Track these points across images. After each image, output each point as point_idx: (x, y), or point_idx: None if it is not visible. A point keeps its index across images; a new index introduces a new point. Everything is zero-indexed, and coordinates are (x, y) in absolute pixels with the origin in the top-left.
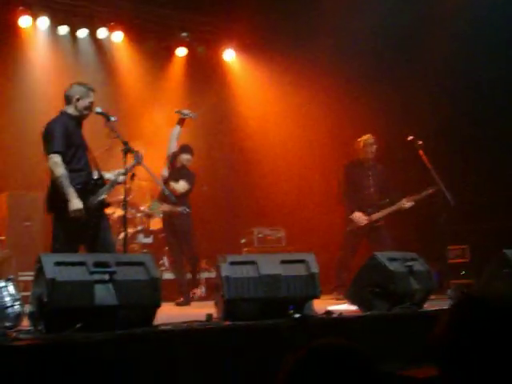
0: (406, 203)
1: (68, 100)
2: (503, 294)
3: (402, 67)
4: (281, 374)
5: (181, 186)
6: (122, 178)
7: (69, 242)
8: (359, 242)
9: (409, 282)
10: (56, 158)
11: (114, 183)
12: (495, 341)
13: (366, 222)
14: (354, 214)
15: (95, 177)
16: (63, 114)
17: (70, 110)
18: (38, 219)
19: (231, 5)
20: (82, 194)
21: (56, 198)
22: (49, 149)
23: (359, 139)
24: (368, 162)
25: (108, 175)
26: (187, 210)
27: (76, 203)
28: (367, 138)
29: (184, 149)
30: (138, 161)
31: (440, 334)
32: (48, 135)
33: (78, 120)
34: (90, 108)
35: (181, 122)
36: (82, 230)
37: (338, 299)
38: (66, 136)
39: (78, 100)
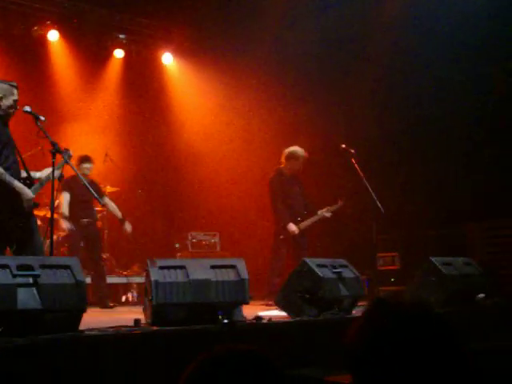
0: (326, 213)
1: None
2: (417, 299)
3: (343, 74)
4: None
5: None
6: (50, 175)
7: None
8: (289, 249)
9: (337, 288)
10: None
11: (43, 182)
12: (405, 347)
13: (297, 231)
14: (289, 225)
15: (23, 176)
16: None
17: None
18: None
19: (171, 8)
20: (10, 194)
21: None
22: None
23: (292, 149)
24: (293, 171)
25: (37, 174)
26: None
27: (29, 192)
28: (300, 150)
29: (85, 158)
30: (67, 160)
31: (350, 340)
32: None
33: (4, 119)
34: (14, 106)
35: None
36: (9, 231)
37: (268, 305)
38: None
39: (1, 99)
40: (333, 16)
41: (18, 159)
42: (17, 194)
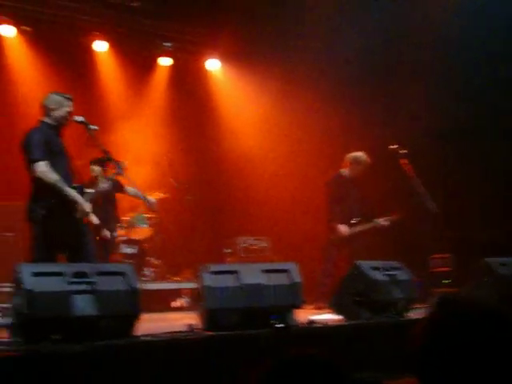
0: (383, 222)
1: (43, 110)
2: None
3: (386, 80)
4: None
5: None
6: (104, 186)
7: (47, 250)
8: (340, 252)
9: (391, 291)
10: (43, 167)
11: (97, 191)
12: (472, 347)
13: (348, 233)
14: (339, 226)
15: (76, 185)
16: (41, 123)
17: (48, 119)
18: (19, 229)
19: (215, 14)
20: (64, 203)
21: (36, 205)
22: (31, 157)
23: (355, 154)
24: (354, 177)
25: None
26: None
27: (84, 202)
28: (363, 156)
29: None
30: (120, 171)
31: (415, 342)
32: (27, 144)
33: (57, 129)
34: (67, 117)
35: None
36: (62, 238)
37: (319, 309)
38: (45, 144)
39: (53, 110)
40: (380, 15)
41: (71, 169)
42: (70, 202)
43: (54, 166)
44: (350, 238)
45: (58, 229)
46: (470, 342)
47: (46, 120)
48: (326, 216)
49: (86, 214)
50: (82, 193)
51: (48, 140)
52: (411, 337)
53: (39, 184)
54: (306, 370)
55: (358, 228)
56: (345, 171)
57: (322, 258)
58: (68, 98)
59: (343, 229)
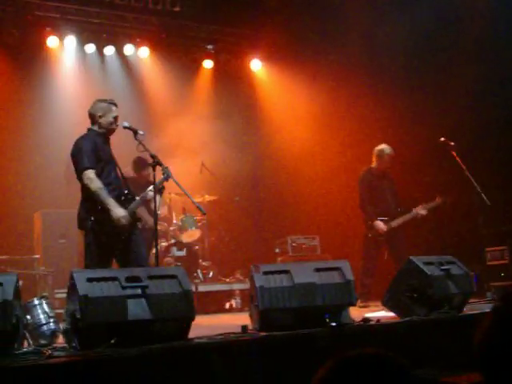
0: (421, 211)
1: (92, 118)
2: None
3: (434, 70)
4: None
5: None
6: (151, 193)
7: (100, 257)
8: (379, 248)
9: (447, 286)
10: (90, 174)
11: (144, 198)
12: None
13: (386, 229)
14: (375, 222)
15: (125, 191)
16: (90, 131)
17: (95, 127)
18: (72, 236)
19: (256, 15)
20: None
21: (86, 213)
22: (80, 166)
23: (379, 148)
24: (383, 170)
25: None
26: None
27: (119, 211)
28: (386, 148)
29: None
30: (168, 175)
31: (482, 339)
32: (77, 152)
33: (105, 136)
34: (114, 123)
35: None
36: (113, 244)
37: (361, 306)
38: (94, 152)
39: (100, 117)
40: (422, 9)
41: (120, 176)
42: (108, 209)
43: (103, 173)
44: (389, 234)
45: (108, 235)
46: None
47: (94, 128)
48: (361, 213)
49: (122, 220)
50: (131, 199)
51: (96, 148)
52: (476, 332)
53: (88, 192)
54: (370, 367)
55: (396, 222)
56: (373, 166)
57: (362, 257)
58: (113, 104)
59: (381, 225)
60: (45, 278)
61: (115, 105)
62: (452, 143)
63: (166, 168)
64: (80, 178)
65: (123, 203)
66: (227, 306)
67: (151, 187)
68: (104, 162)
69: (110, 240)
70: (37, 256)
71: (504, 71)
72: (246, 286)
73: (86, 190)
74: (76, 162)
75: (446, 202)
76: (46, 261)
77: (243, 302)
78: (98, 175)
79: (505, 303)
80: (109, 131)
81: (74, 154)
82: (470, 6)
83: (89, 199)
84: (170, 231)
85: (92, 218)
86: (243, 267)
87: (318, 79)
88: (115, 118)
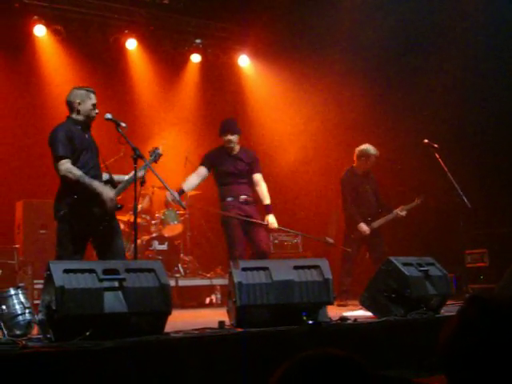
0: (401, 212)
1: (70, 105)
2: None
3: (418, 72)
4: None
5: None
6: (140, 173)
7: (73, 247)
8: (359, 248)
9: (425, 287)
10: (67, 164)
11: (127, 184)
12: (502, 346)
13: (369, 231)
14: (360, 225)
15: (106, 179)
16: (68, 119)
17: (74, 115)
18: (53, 227)
19: (245, 11)
20: (91, 197)
21: (60, 203)
22: (55, 155)
23: (361, 148)
24: (365, 170)
25: (125, 177)
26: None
27: (108, 192)
28: (371, 148)
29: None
30: (148, 164)
31: (446, 340)
32: (52, 142)
33: (84, 124)
34: (93, 110)
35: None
36: (88, 234)
37: (340, 305)
38: (68, 140)
39: (79, 104)
40: (407, 10)
41: (102, 164)
42: (98, 197)
43: (79, 162)
44: (370, 234)
45: (82, 225)
46: (500, 341)
47: (73, 116)
48: (343, 214)
49: (115, 204)
50: (113, 186)
51: (72, 136)
52: (441, 334)
53: (64, 182)
54: (325, 367)
55: (377, 222)
56: (356, 167)
57: (342, 256)
58: (91, 91)
59: (364, 227)
60: (24, 268)
61: (93, 92)
62: (435, 145)
63: (155, 150)
64: (56, 167)
65: None
66: (207, 300)
67: (131, 174)
68: (80, 151)
69: (85, 230)
70: (17, 246)
71: (490, 73)
72: (227, 281)
73: (62, 179)
74: (52, 150)
75: (423, 201)
76: (26, 251)
77: (224, 297)
78: (74, 164)
79: (471, 306)
80: (88, 118)
81: (50, 143)
82: (456, 8)
83: (64, 189)
84: (152, 224)
85: (65, 208)
86: (224, 263)
87: (302, 78)
88: (94, 105)
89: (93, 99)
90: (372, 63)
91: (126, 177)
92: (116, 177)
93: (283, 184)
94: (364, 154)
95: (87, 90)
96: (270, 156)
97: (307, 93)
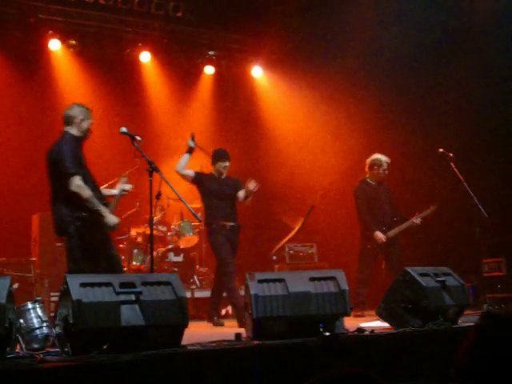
0: (416, 220)
1: (69, 120)
2: None
3: (434, 80)
4: None
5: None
6: (127, 186)
7: (86, 261)
8: (375, 258)
9: (442, 298)
10: (78, 181)
11: (117, 200)
12: None
13: (385, 239)
14: (375, 233)
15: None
16: (67, 134)
17: (73, 130)
18: None
19: (258, 22)
20: (94, 216)
21: (70, 219)
22: (67, 171)
23: (373, 158)
24: (379, 179)
25: (113, 191)
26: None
27: (112, 218)
28: (382, 157)
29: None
30: (163, 176)
31: (463, 355)
32: (60, 157)
33: (81, 140)
34: (90, 130)
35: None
36: (94, 250)
37: (357, 316)
38: (74, 156)
39: (82, 121)
40: (421, 18)
41: (95, 182)
42: (102, 219)
43: (83, 179)
44: (386, 244)
45: (91, 241)
46: None
47: (72, 131)
48: (359, 225)
49: (114, 227)
50: (107, 203)
51: (76, 152)
52: (459, 349)
53: (74, 197)
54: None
55: (393, 231)
56: (369, 177)
57: (358, 266)
58: (90, 110)
59: (380, 235)
60: (41, 280)
61: (91, 111)
62: (451, 154)
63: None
64: (66, 183)
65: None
66: (223, 312)
67: (123, 187)
68: (83, 168)
69: (92, 245)
70: (33, 259)
71: (505, 81)
72: (242, 292)
73: (72, 195)
74: (61, 166)
75: (438, 209)
76: (42, 263)
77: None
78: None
79: (485, 323)
80: (85, 136)
81: (55, 158)
82: (472, 16)
83: (74, 204)
84: (168, 236)
85: (77, 223)
86: (240, 274)
87: (319, 88)
88: (91, 125)
89: (91, 120)
90: (385, 71)
91: (114, 191)
92: (104, 191)
93: (297, 192)
94: (376, 163)
95: (88, 109)
96: (284, 165)
97: (319, 102)
